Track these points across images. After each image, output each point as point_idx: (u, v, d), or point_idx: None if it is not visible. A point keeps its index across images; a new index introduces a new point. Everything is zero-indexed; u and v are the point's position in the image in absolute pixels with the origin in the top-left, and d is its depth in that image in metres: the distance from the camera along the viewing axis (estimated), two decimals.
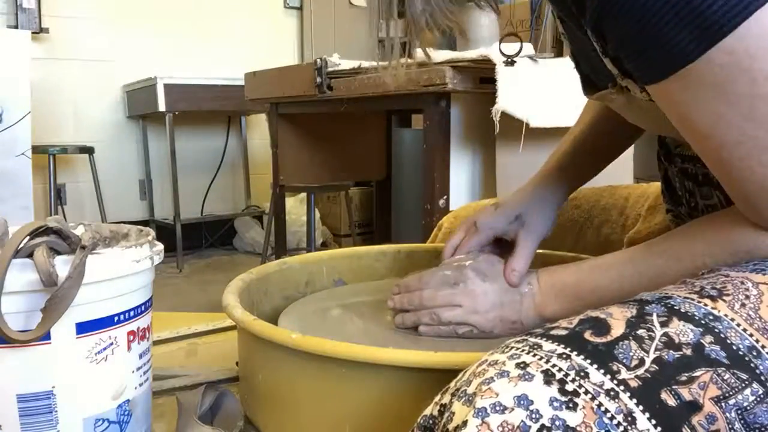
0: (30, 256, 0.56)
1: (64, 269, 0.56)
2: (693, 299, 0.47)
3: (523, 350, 0.44)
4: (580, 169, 0.86)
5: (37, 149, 2.93)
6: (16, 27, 3.29)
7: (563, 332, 0.45)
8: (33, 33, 3.24)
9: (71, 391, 0.58)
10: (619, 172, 1.86)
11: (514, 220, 0.79)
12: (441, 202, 1.60)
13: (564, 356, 0.43)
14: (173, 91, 3.29)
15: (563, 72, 1.60)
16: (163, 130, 3.49)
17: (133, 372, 0.63)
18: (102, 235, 0.68)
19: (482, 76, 1.52)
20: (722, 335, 0.44)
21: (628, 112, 0.66)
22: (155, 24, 3.70)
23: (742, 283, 0.49)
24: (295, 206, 3.59)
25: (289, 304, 0.88)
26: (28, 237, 0.56)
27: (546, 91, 1.52)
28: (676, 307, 0.46)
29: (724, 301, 0.47)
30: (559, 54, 2.95)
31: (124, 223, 0.75)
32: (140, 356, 0.64)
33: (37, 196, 3.02)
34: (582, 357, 0.42)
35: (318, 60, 1.91)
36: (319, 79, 1.90)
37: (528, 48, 1.57)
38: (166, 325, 1.10)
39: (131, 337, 0.62)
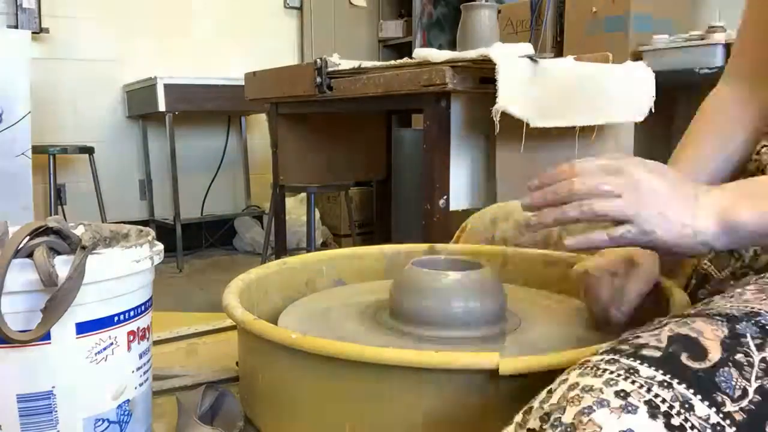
0: (30, 256, 0.56)
1: (64, 269, 0.56)
2: None
3: (619, 375, 0.41)
4: None
5: (37, 149, 2.93)
6: (16, 27, 3.29)
7: (656, 353, 0.43)
8: (33, 33, 3.24)
9: (71, 391, 0.58)
10: None
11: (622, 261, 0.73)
12: (441, 202, 1.60)
13: (665, 384, 0.40)
14: (173, 91, 3.29)
15: (563, 72, 1.60)
16: (163, 130, 3.49)
17: (133, 372, 0.63)
18: (102, 235, 0.68)
19: (482, 76, 1.52)
20: None
21: None
22: (155, 24, 3.70)
23: None
24: (295, 206, 3.59)
25: (289, 304, 0.88)
26: (28, 237, 0.56)
27: (546, 91, 1.51)
28: (767, 326, 0.44)
29: None
30: (559, 54, 2.96)
31: (124, 223, 0.75)
32: (140, 356, 0.64)
33: (37, 196, 3.01)
34: (684, 386, 0.40)
35: (318, 60, 1.91)
36: (319, 79, 1.90)
37: (528, 48, 1.57)
38: (166, 325, 1.10)
39: (131, 337, 0.62)
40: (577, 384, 0.42)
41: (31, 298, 0.56)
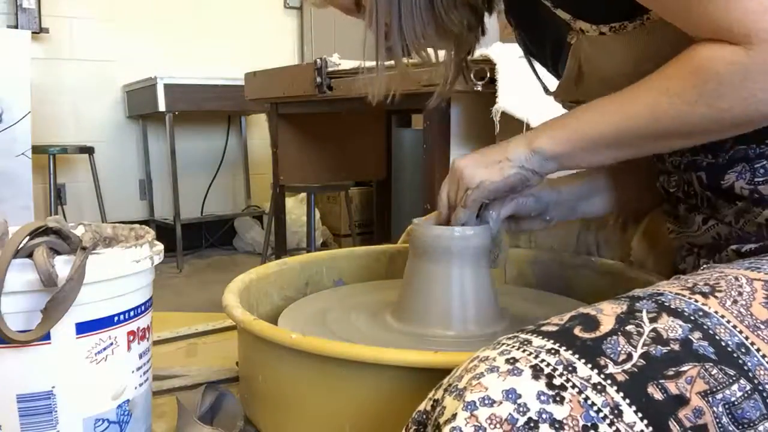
0: (30, 256, 0.56)
1: (64, 269, 0.56)
2: (684, 296, 0.48)
3: (513, 346, 0.45)
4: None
5: (37, 149, 2.93)
6: (16, 27, 3.29)
7: (553, 328, 0.46)
8: (33, 33, 3.24)
9: (71, 391, 0.58)
10: None
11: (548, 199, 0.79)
12: None
13: (553, 351, 0.43)
14: (173, 91, 3.29)
15: None
16: (163, 130, 3.49)
17: (133, 372, 0.63)
18: (102, 235, 0.68)
19: (482, 76, 1.52)
20: (711, 331, 0.45)
21: (595, 63, 0.68)
22: (155, 24, 3.70)
23: (736, 279, 0.50)
24: (295, 206, 3.59)
25: (289, 304, 0.88)
26: (28, 237, 0.56)
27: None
28: (666, 303, 0.47)
29: (716, 297, 0.48)
30: None
31: (124, 223, 0.75)
32: (140, 356, 0.64)
33: (37, 196, 3.01)
34: (570, 352, 0.43)
35: (318, 60, 1.91)
36: (319, 79, 1.90)
37: None
38: (166, 325, 1.10)
39: (131, 337, 0.62)
40: (477, 356, 0.46)
41: (31, 298, 0.56)
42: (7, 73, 2.57)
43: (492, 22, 2.03)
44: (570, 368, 0.42)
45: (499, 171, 0.68)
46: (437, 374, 0.56)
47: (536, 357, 0.43)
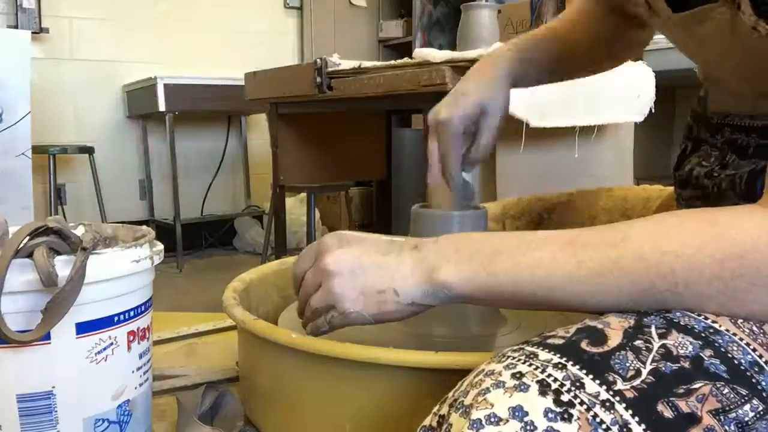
0: (30, 256, 0.56)
1: (64, 269, 0.56)
2: (693, 312, 0.46)
3: (519, 359, 0.43)
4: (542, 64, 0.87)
5: (37, 149, 2.93)
6: (16, 27, 3.29)
7: (560, 341, 0.44)
8: (33, 33, 3.24)
9: (71, 391, 0.58)
10: (619, 172, 1.86)
11: (477, 111, 0.80)
12: None
13: (560, 366, 0.42)
14: (173, 91, 3.29)
15: None
16: (163, 130, 3.49)
17: (133, 372, 0.63)
18: (102, 235, 0.68)
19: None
20: (722, 349, 0.43)
21: (708, 42, 0.59)
22: (155, 24, 3.70)
23: None
24: (295, 206, 3.59)
25: (289, 304, 0.88)
26: (28, 237, 0.56)
27: (546, 91, 1.51)
28: (675, 320, 0.45)
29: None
30: None
31: (124, 223, 0.75)
32: (140, 356, 0.64)
33: (37, 196, 3.01)
34: (578, 367, 0.42)
35: (318, 60, 1.91)
36: (319, 79, 1.90)
37: None
38: (166, 325, 1.10)
39: (131, 337, 0.62)
40: (482, 370, 0.44)
41: (31, 299, 0.56)
42: (7, 73, 2.56)
43: (492, 22, 2.04)
44: (578, 384, 0.41)
45: (376, 305, 0.55)
46: (437, 374, 0.56)
47: (543, 372, 0.42)
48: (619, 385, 0.41)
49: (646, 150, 2.79)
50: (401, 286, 0.54)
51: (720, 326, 0.45)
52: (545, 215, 1.04)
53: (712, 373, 0.42)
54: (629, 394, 0.40)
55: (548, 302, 0.50)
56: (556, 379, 0.41)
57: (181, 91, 3.32)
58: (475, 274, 0.51)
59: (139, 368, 0.64)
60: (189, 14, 3.80)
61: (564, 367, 0.42)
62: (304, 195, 3.39)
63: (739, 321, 0.45)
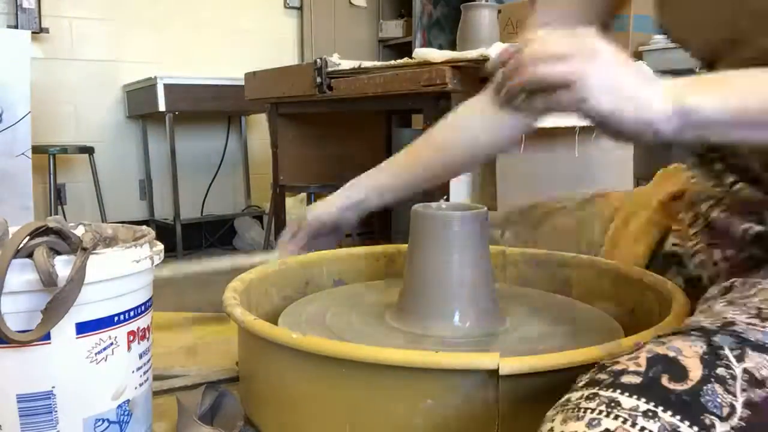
0: (30, 256, 0.56)
1: (64, 269, 0.55)
2: (756, 325, 0.44)
3: (600, 412, 0.39)
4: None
5: (37, 149, 2.93)
6: (16, 27, 3.28)
7: (636, 379, 0.41)
8: (33, 33, 3.23)
9: (71, 391, 0.58)
10: (619, 172, 1.86)
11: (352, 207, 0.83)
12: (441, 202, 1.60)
13: (650, 414, 0.38)
14: (173, 91, 3.29)
15: None
16: (163, 130, 3.49)
17: (133, 372, 0.63)
18: (102, 235, 0.68)
19: (482, 76, 1.52)
20: None
21: None
22: (155, 24, 3.70)
23: None
24: (295, 206, 3.59)
25: (289, 304, 0.88)
26: (28, 237, 0.56)
27: None
28: (743, 335, 0.43)
29: None
30: None
31: (124, 223, 0.75)
32: (140, 356, 0.64)
33: (37, 196, 3.01)
34: (670, 413, 0.38)
35: (318, 60, 1.91)
36: (319, 79, 1.90)
37: None
38: (166, 325, 1.10)
39: (131, 337, 0.62)
40: None
41: (32, 299, 0.56)
42: (7, 73, 2.56)
43: (492, 22, 2.04)
44: None
45: (615, 107, 0.50)
46: (437, 374, 0.56)
47: (633, 425, 0.38)
48: (718, 428, 0.38)
49: (645, 150, 2.79)
50: (646, 100, 0.50)
51: None
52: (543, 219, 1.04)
53: None
54: None
55: None
56: None
57: (181, 91, 3.32)
58: (721, 98, 0.50)
59: (139, 368, 0.64)
60: (189, 14, 3.80)
61: (655, 414, 0.38)
62: (304, 195, 3.38)
63: None
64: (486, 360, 0.54)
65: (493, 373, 0.54)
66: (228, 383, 0.84)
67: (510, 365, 0.54)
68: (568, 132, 1.63)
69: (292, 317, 0.81)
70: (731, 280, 0.55)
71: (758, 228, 0.60)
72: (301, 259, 1.01)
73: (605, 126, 0.52)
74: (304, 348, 0.60)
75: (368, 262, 1.05)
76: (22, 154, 2.62)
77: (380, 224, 3.10)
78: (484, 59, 1.47)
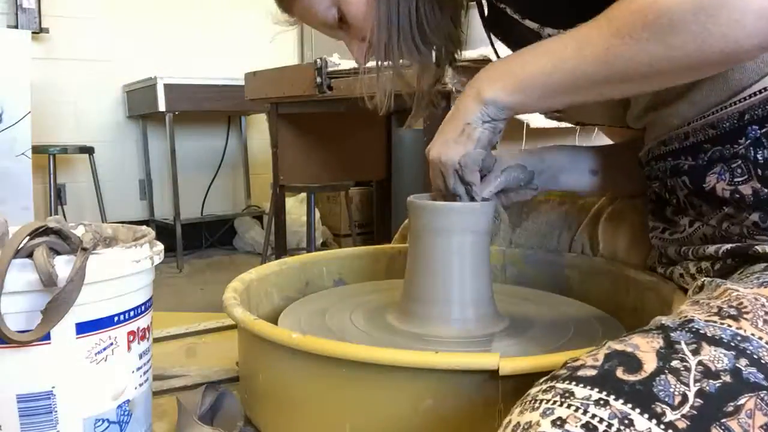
0: (30, 256, 0.56)
1: (64, 270, 0.55)
2: (716, 321, 0.45)
3: (555, 402, 0.40)
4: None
5: (37, 149, 2.93)
6: (16, 27, 3.29)
7: (592, 372, 0.42)
8: (33, 33, 3.24)
9: (71, 391, 0.58)
10: None
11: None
12: None
13: (602, 402, 0.39)
14: (173, 91, 3.29)
15: None
16: (163, 130, 3.49)
17: (133, 372, 0.63)
18: (102, 235, 0.68)
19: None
20: (755, 356, 0.42)
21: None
22: (155, 24, 3.70)
23: (756, 299, 0.48)
24: (295, 206, 3.59)
25: (289, 304, 0.88)
26: (28, 237, 0.56)
27: None
28: (701, 331, 0.44)
29: (746, 319, 0.45)
30: None
31: (124, 223, 0.75)
32: (140, 356, 0.64)
33: (37, 196, 3.02)
34: (621, 401, 0.39)
35: (318, 60, 1.91)
36: (319, 79, 1.90)
37: None
38: (166, 325, 1.10)
39: (131, 337, 0.62)
40: (519, 424, 0.41)
41: (32, 299, 0.56)
42: (7, 73, 2.57)
43: None
44: (626, 422, 0.38)
45: (467, 139, 0.69)
46: (437, 374, 0.56)
47: (585, 413, 0.38)
48: (669, 415, 0.39)
49: None
50: (468, 117, 0.68)
51: (745, 332, 0.44)
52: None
53: (753, 383, 0.41)
54: (681, 424, 0.38)
55: (578, 81, 0.59)
56: (601, 420, 0.38)
57: (181, 91, 3.32)
58: (514, 84, 0.64)
59: (139, 368, 0.64)
60: (189, 14, 3.80)
61: (606, 403, 0.39)
62: (304, 195, 3.39)
63: (760, 324, 0.45)
64: (486, 360, 0.54)
65: (493, 373, 0.54)
66: (228, 383, 0.84)
67: (510, 365, 0.54)
68: (568, 132, 1.63)
69: (292, 317, 0.81)
70: (702, 280, 0.56)
71: (729, 245, 0.63)
72: (301, 259, 1.01)
73: (485, 151, 0.71)
74: (304, 348, 0.60)
75: (368, 262, 1.05)
76: (22, 154, 2.62)
77: (380, 224, 3.10)
78: (484, 59, 1.47)
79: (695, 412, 0.39)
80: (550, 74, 0.61)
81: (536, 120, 1.47)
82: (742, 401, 0.40)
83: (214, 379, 0.85)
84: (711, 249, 0.65)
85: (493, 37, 0.84)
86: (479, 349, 0.71)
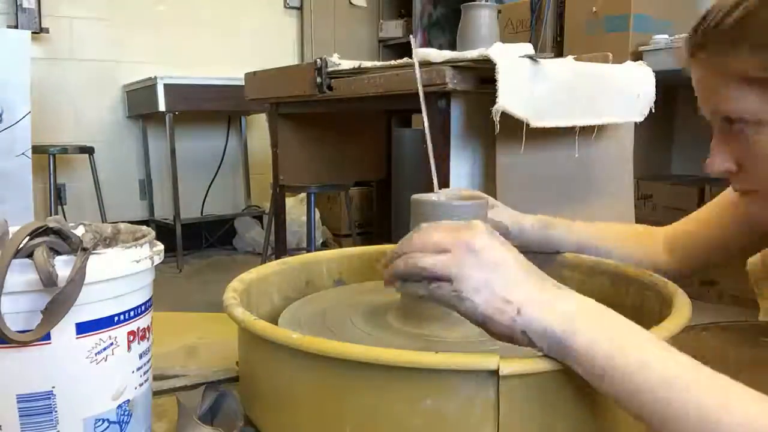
0: (30, 256, 0.56)
1: (64, 270, 0.55)
2: None
3: None
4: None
5: (37, 149, 2.93)
6: (16, 27, 3.29)
7: None
8: (33, 33, 3.24)
9: (71, 391, 0.58)
10: (619, 172, 1.86)
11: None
12: None
13: None
14: (173, 91, 3.29)
15: (563, 72, 1.60)
16: (163, 130, 3.49)
17: (133, 372, 0.63)
18: (102, 235, 0.68)
19: (482, 76, 1.52)
20: None
21: None
22: (155, 24, 3.70)
23: None
24: (295, 206, 3.59)
25: (289, 304, 0.88)
26: (28, 237, 0.56)
27: (546, 91, 1.51)
28: None
29: None
30: (559, 54, 2.96)
31: (124, 223, 0.75)
32: (140, 356, 0.64)
33: (37, 196, 3.02)
34: None
35: (318, 60, 1.91)
36: (319, 79, 1.90)
37: (528, 48, 1.57)
38: (166, 325, 1.10)
39: (131, 338, 0.62)
40: None
41: (31, 299, 0.56)
42: (7, 73, 2.56)
43: (492, 22, 2.03)
44: None
45: (494, 310, 0.52)
46: (437, 374, 0.56)
47: None
48: None
49: (646, 150, 2.79)
50: (529, 312, 0.51)
51: None
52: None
53: None
54: None
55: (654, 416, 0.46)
56: None
57: (181, 91, 3.32)
58: (607, 356, 0.48)
59: (139, 368, 0.64)
60: (189, 14, 3.80)
61: None
62: (304, 195, 3.39)
63: None
64: (486, 360, 0.54)
65: (494, 374, 0.54)
66: (228, 383, 0.84)
67: (510, 365, 0.54)
68: (568, 132, 1.63)
69: (292, 317, 0.81)
70: None
71: None
72: (301, 259, 1.01)
73: (473, 319, 0.54)
74: (304, 348, 0.60)
75: (368, 262, 1.05)
76: (22, 154, 2.62)
77: (380, 224, 3.10)
78: (484, 59, 1.47)
79: None
80: (641, 395, 0.47)
81: (536, 119, 1.47)
82: None
83: (214, 379, 0.85)
84: None
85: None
86: (479, 349, 0.71)
